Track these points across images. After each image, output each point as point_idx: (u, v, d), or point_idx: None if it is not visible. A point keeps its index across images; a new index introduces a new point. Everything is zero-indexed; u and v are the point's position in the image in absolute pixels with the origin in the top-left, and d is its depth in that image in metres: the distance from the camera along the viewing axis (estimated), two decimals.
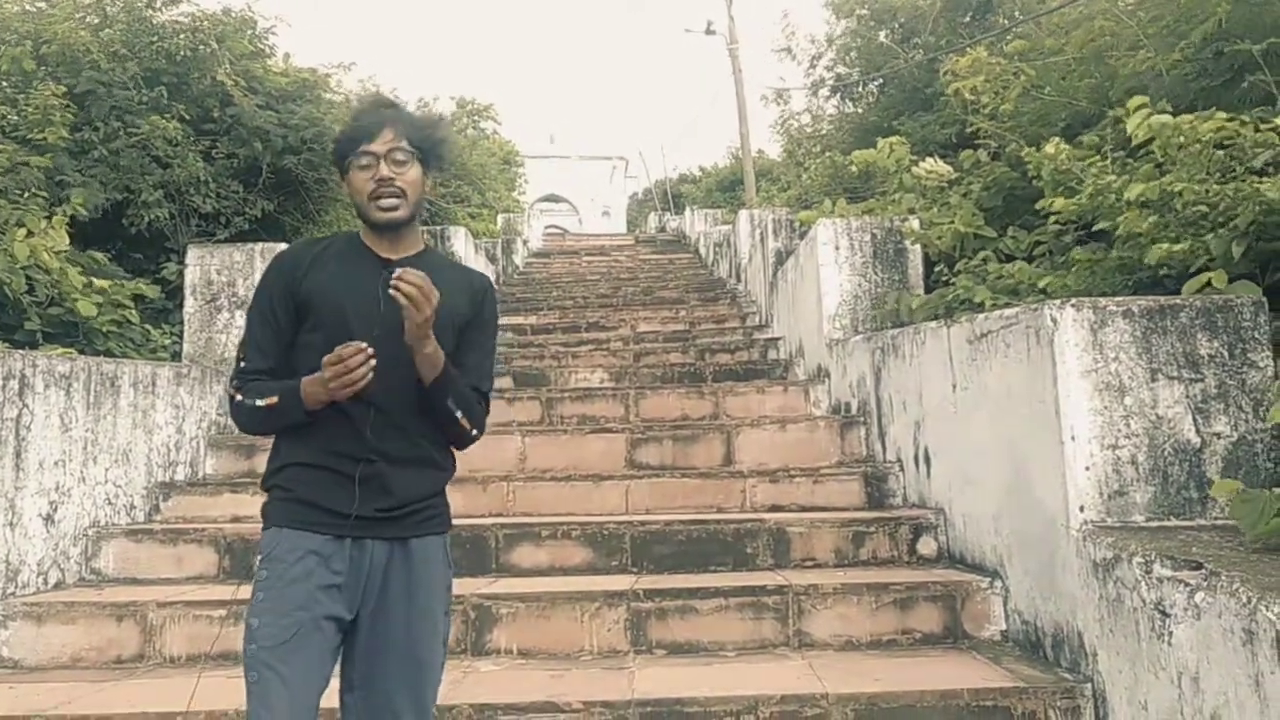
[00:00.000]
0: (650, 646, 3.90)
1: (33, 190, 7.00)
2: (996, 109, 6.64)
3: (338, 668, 2.20)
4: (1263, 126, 4.03)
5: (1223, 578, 2.43)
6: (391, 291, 2.03)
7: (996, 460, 3.88)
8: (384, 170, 2.18)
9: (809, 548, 4.52)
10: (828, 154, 11.98)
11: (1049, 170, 5.14)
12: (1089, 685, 3.13)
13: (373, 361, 2.04)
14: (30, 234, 6.21)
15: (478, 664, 3.79)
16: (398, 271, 2.04)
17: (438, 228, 11.70)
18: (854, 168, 7.96)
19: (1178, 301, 3.34)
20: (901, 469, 5.10)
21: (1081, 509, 3.21)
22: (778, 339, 8.45)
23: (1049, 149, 5.17)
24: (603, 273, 15.15)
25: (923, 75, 10.71)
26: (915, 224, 6.45)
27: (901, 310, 6.14)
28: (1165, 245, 3.90)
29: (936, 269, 6.16)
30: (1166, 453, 3.22)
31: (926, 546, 4.51)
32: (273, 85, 9.57)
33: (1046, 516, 3.41)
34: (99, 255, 7.33)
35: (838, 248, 6.57)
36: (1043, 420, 3.39)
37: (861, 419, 5.72)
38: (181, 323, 6.84)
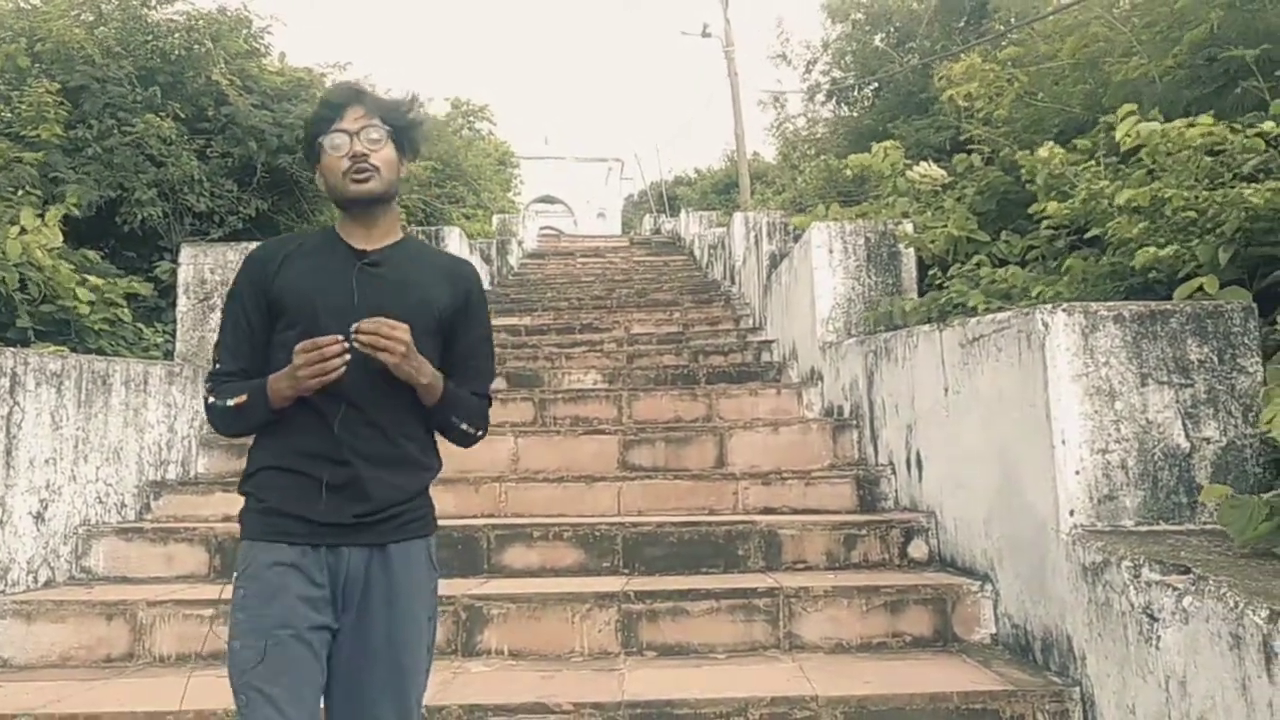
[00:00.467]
0: (641, 648, 3.90)
1: (26, 187, 7.00)
2: (990, 115, 6.66)
3: None
4: (1249, 132, 4.05)
5: (1210, 582, 2.44)
6: (355, 345, 1.98)
7: (988, 464, 3.89)
8: (357, 147, 2.11)
9: (800, 550, 4.53)
10: (822, 157, 12.02)
11: (1042, 175, 5.16)
12: (1077, 689, 3.14)
13: (347, 356, 1.97)
14: (23, 231, 6.20)
15: (468, 664, 3.79)
16: (354, 327, 1.98)
17: (432, 228, 11.70)
18: (849, 171, 7.98)
19: (1168, 307, 3.35)
20: (893, 472, 5.11)
21: (1071, 513, 3.22)
22: (771, 341, 8.46)
23: (1043, 153, 5.18)
24: (597, 274, 15.16)
25: (918, 80, 10.75)
26: (909, 228, 6.47)
27: (895, 314, 6.16)
28: (1152, 249, 3.92)
29: (930, 273, 6.18)
30: (1156, 457, 3.23)
31: (918, 550, 4.52)
32: (268, 84, 9.56)
33: (1037, 520, 3.42)
34: (91, 253, 7.32)
35: (832, 251, 6.58)
36: (1034, 424, 3.41)
37: (854, 422, 5.73)
38: (174, 321, 6.83)
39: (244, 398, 2.08)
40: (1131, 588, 2.78)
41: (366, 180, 2.11)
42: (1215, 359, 3.27)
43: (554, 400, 6.62)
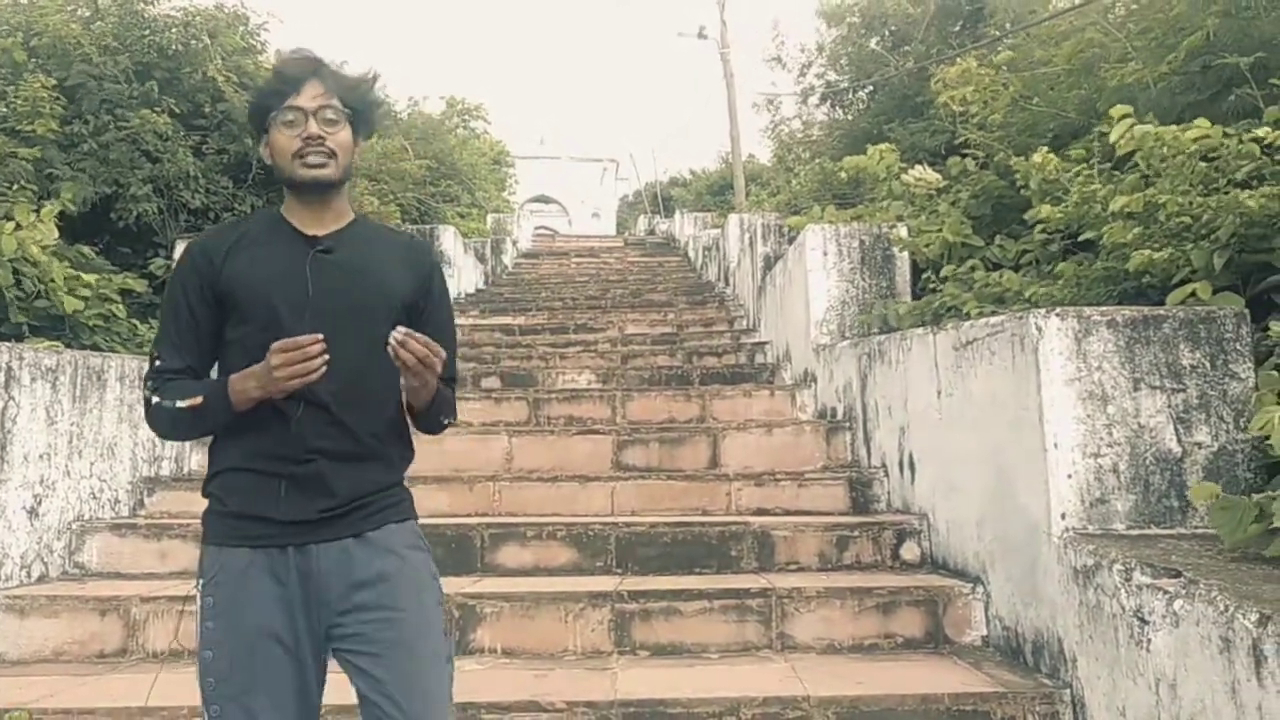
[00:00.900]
0: (634, 647, 3.91)
1: (21, 183, 6.99)
2: (985, 119, 6.68)
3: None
4: (1245, 137, 4.07)
5: (1201, 586, 2.46)
6: (391, 353, 1.86)
7: (980, 467, 3.91)
8: (313, 128, 1.97)
9: (793, 551, 4.54)
10: (817, 160, 12.04)
11: (1037, 179, 5.18)
12: (1068, 691, 3.16)
13: (327, 356, 1.85)
14: (18, 227, 6.19)
15: (461, 663, 3.75)
16: (397, 334, 1.86)
17: (427, 226, 11.70)
18: (843, 174, 8.00)
19: (1161, 312, 3.37)
20: (886, 474, 5.13)
21: (1063, 516, 3.23)
22: (765, 343, 8.48)
23: (1037, 158, 5.21)
24: (591, 274, 15.17)
25: (913, 83, 10.78)
26: (903, 231, 6.48)
27: (889, 317, 6.17)
28: (1147, 252, 3.94)
29: (924, 276, 6.20)
30: (1148, 461, 3.25)
31: (910, 552, 4.54)
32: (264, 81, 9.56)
33: (1029, 523, 3.44)
34: (86, 249, 7.31)
35: (826, 253, 6.60)
36: (1026, 427, 3.42)
37: (847, 424, 5.75)
38: None
39: (199, 399, 1.94)
40: (1122, 591, 2.80)
41: (321, 166, 1.99)
42: (1207, 364, 3.29)
43: (548, 400, 6.63)
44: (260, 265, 2.00)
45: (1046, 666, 3.35)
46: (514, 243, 17.43)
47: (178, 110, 8.63)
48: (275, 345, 1.84)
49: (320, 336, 1.84)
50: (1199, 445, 3.26)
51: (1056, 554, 3.22)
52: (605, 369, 7.89)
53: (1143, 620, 2.69)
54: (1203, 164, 4.17)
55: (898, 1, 12.55)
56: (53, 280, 6.25)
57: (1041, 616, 3.38)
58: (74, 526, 4.68)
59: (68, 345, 5.69)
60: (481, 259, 14.08)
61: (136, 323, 7.03)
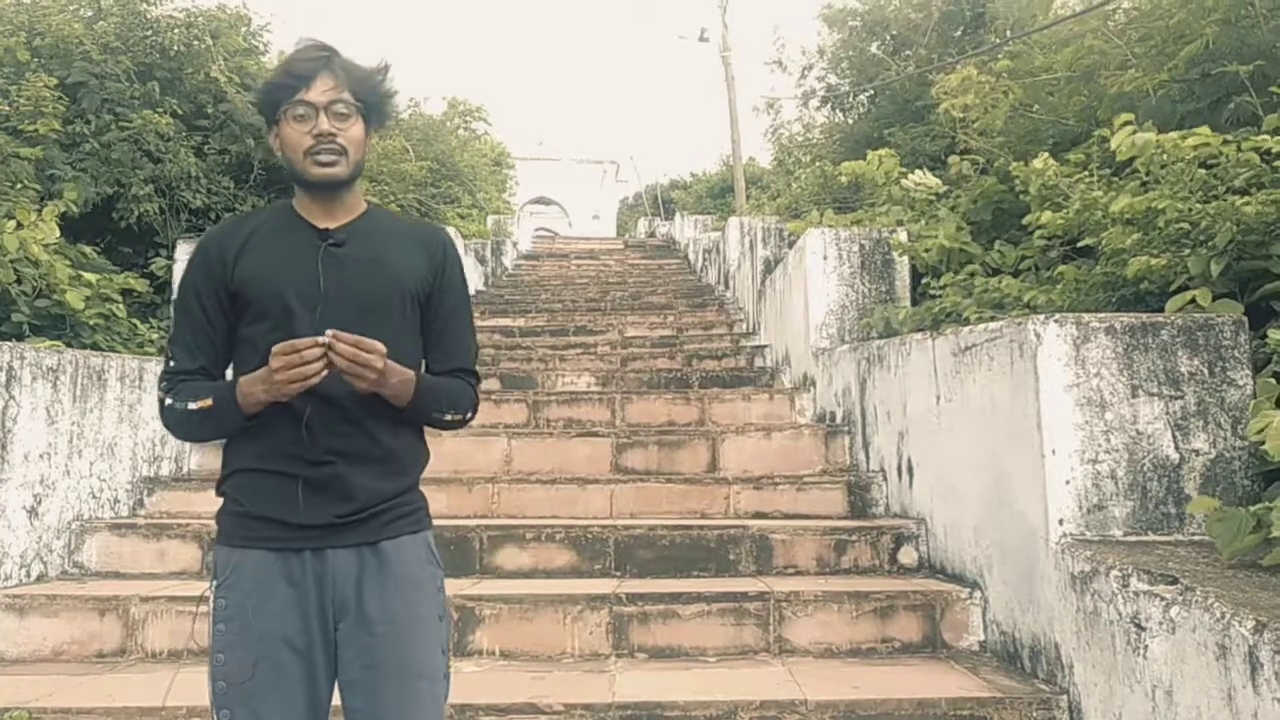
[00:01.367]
0: (632, 650, 3.92)
1: (23, 182, 7.00)
2: (986, 126, 6.69)
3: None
4: (1244, 145, 4.08)
5: (1198, 593, 2.47)
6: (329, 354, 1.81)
7: (978, 472, 3.92)
8: (324, 124, 1.92)
9: (791, 555, 4.55)
10: (818, 163, 12.04)
11: (1037, 185, 5.19)
12: (1065, 697, 3.17)
13: (326, 358, 1.81)
14: (20, 226, 6.20)
15: (460, 665, 3.80)
16: (322, 339, 1.80)
17: None
18: (843, 178, 8.00)
19: (1160, 319, 3.38)
20: (884, 479, 5.13)
21: (1061, 522, 3.24)
22: (764, 346, 8.49)
23: (1038, 163, 5.21)
24: (591, 276, 15.18)
25: (914, 88, 10.78)
26: (903, 236, 6.50)
27: (889, 321, 6.19)
28: (1145, 259, 3.95)
29: (924, 281, 6.21)
30: (1146, 468, 3.26)
31: (907, 556, 4.55)
32: None
33: (1026, 529, 3.45)
34: (88, 249, 7.33)
35: (826, 257, 6.61)
36: (1024, 433, 3.43)
37: (846, 428, 5.76)
38: (169, 318, 6.83)
39: (208, 401, 1.90)
40: (1120, 597, 2.81)
41: (332, 165, 1.94)
42: (1205, 371, 3.30)
43: (547, 402, 6.64)
44: (272, 261, 1.96)
45: (1044, 672, 3.36)
46: (514, 244, 17.44)
47: (179, 110, 8.65)
48: (275, 349, 1.81)
49: (320, 340, 1.80)
50: (1197, 452, 3.27)
51: (1054, 560, 3.23)
52: (605, 372, 7.90)
53: (1140, 627, 2.70)
54: (1202, 171, 4.18)
55: (899, 6, 12.56)
56: (56, 279, 6.25)
57: (1039, 622, 3.39)
58: (74, 526, 4.69)
59: (68, 345, 5.70)
60: (481, 260, 14.10)
61: (137, 322, 7.04)
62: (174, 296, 2.06)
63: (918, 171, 7.05)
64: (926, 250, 6.11)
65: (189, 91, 8.94)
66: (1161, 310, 3.73)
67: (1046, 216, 4.92)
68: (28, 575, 4.42)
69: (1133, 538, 3.21)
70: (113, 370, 5.08)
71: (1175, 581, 2.60)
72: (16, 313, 6.05)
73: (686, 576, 4.45)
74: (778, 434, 5.85)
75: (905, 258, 6.50)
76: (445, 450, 5.30)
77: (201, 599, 1.99)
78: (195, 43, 8.86)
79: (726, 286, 11.96)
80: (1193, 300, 3.70)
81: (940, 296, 5.66)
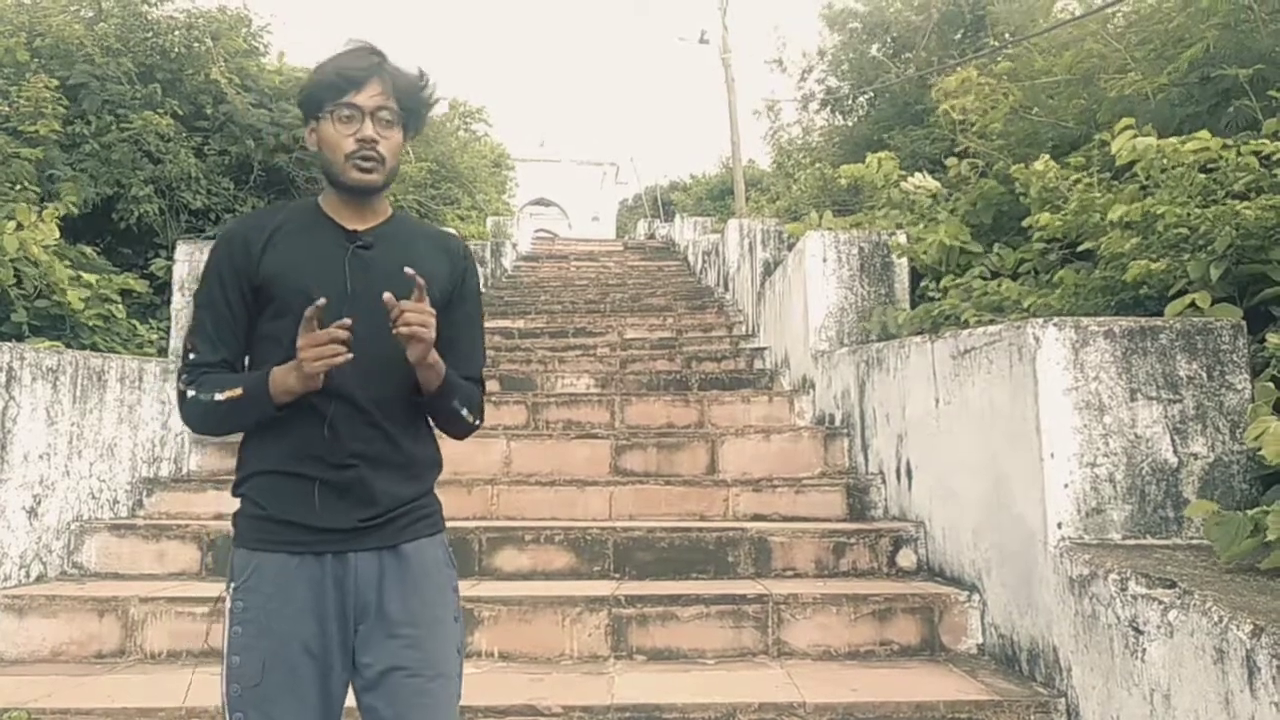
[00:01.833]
0: (630, 652, 3.92)
1: (23, 183, 7.00)
2: (985, 128, 6.70)
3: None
4: (1243, 150, 4.09)
5: (1196, 597, 2.48)
6: (395, 331, 1.83)
7: (977, 475, 3.93)
8: (369, 130, 1.92)
9: (790, 557, 4.56)
10: (817, 166, 12.05)
11: (1037, 187, 5.20)
12: (1063, 700, 3.17)
13: (349, 339, 1.80)
14: (20, 227, 6.21)
15: None
16: (397, 311, 1.82)
17: None
18: (842, 181, 8.01)
19: (1158, 323, 3.39)
20: (883, 481, 5.14)
21: (1059, 525, 3.25)
22: (764, 349, 8.50)
23: (1038, 166, 5.22)
24: (591, 278, 15.18)
25: (914, 90, 10.79)
26: (903, 239, 6.50)
27: (888, 324, 6.19)
28: (1144, 263, 3.96)
29: (923, 283, 6.22)
30: (1144, 472, 3.27)
31: (906, 559, 4.55)
32: (266, 83, 9.60)
33: (1025, 532, 3.45)
34: (88, 249, 7.33)
35: (825, 260, 6.62)
36: (1023, 437, 3.44)
37: (845, 430, 5.76)
38: (169, 318, 6.85)
39: (238, 391, 1.88)
40: (1118, 600, 2.81)
41: (371, 171, 1.94)
42: (1204, 375, 3.31)
43: (546, 404, 6.64)
44: (299, 258, 1.96)
45: (1042, 675, 3.36)
46: (513, 246, 17.44)
47: (180, 112, 8.66)
48: (303, 330, 1.81)
49: (348, 322, 1.80)
50: (1195, 456, 3.28)
51: (1052, 563, 3.23)
52: (604, 373, 7.90)
53: (1138, 630, 2.71)
54: (1202, 176, 4.19)
55: (900, 9, 12.57)
56: (55, 280, 6.26)
57: (1037, 625, 3.39)
58: (73, 527, 4.69)
59: (68, 345, 5.70)
60: (481, 262, 14.09)
61: (136, 323, 7.04)
62: (195, 289, 2.04)
63: (917, 174, 7.06)
64: (926, 252, 6.11)
65: (189, 93, 8.95)
66: (1160, 314, 3.73)
67: (1045, 219, 4.93)
68: (27, 576, 4.42)
69: (1131, 541, 3.22)
70: (112, 371, 5.08)
71: (1173, 585, 2.60)
72: (16, 313, 6.05)
73: (685, 578, 4.46)
74: (777, 436, 5.86)
75: (904, 260, 6.51)
76: (444, 452, 5.28)
77: (217, 601, 1.98)
78: (196, 44, 8.87)
79: (726, 288, 11.97)
80: (1191, 304, 3.71)
81: (939, 299, 5.66)
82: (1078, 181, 4.96)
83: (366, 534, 1.93)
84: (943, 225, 6.17)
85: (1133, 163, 4.46)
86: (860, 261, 6.61)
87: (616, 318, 10.86)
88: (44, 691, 3.46)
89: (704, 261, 14.56)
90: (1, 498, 4.27)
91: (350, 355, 1.81)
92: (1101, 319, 3.43)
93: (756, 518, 5.10)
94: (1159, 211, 4.06)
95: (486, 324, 2.29)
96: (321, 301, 1.80)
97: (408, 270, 1.85)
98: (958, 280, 5.67)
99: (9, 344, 4.49)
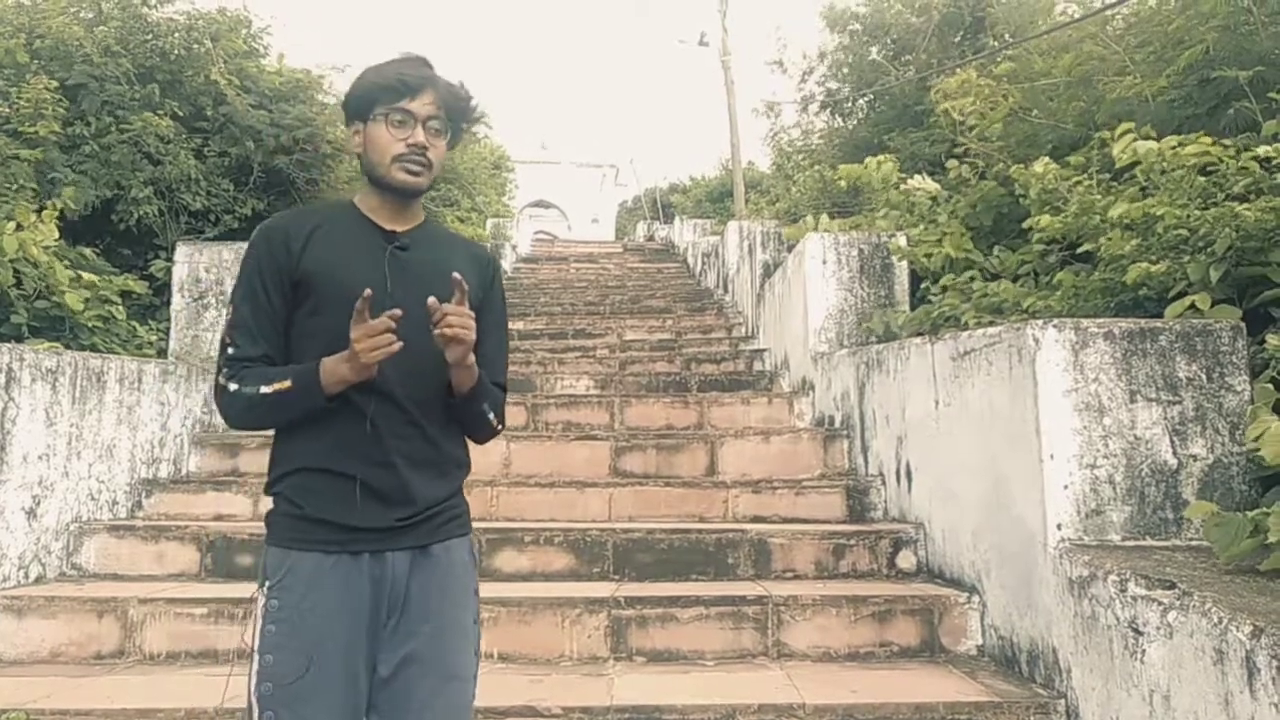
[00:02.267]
0: (630, 653, 3.92)
1: (23, 184, 7.00)
2: (985, 130, 6.70)
3: None
4: (1243, 155, 4.09)
5: (1195, 598, 2.48)
6: (438, 333, 1.88)
7: (977, 477, 3.93)
8: (420, 136, 1.98)
9: (789, 559, 4.56)
10: (816, 168, 12.05)
11: (1037, 189, 5.20)
12: (1062, 701, 3.17)
13: (397, 331, 1.84)
14: (19, 228, 6.21)
15: None
16: (440, 314, 1.87)
17: None
18: (842, 183, 8.01)
19: (1158, 324, 3.39)
20: (883, 483, 5.14)
21: (1059, 527, 3.25)
22: (763, 350, 8.50)
23: (1038, 167, 5.23)
24: (590, 280, 15.18)
25: (913, 92, 10.79)
26: (902, 240, 6.50)
27: (888, 325, 6.19)
28: (1144, 265, 3.96)
29: (923, 285, 6.22)
30: (1144, 473, 3.27)
31: (906, 560, 4.55)
32: (266, 85, 9.59)
33: (1025, 533, 3.45)
34: (87, 251, 7.33)
35: (825, 262, 6.62)
36: (1023, 438, 3.44)
37: (845, 432, 5.76)
38: (168, 320, 6.84)
39: (286, 383, 1.90)
40: (1117, 602, 2.81)
41: (417, 175, 2.00)
42: (1204, 377, 3.31)
43: (546, 405, 6.64)
44: (339, 256, 1.99)
45: (1041, 676, 3.36)
46: (513, 247, 17.45)
47: (179, 113, 8.65)
48: (355, 324, 1.83)
49: (398, 313, 1.83)
50: (1194, 457, 3.28)
51: (1052, 564, 3.23)
52: (604, 375, 7.90)
53: (1137, 631, 2.71)
54: (1201, 178, 4.19)
55: (900, 11, 12.57)
56: (55, 281, 6.26)
57: (1037, 626, 3.39)
58: (72, 528, 4.69)
59: (67, 346, 5.70)
60: None
61: (136, 324, 7.04)
62: (234, 283, 2.05)
63: (917, 176, 7.06)
64: (926, 255, 6.12)
65: (189, 94, 8.94)
66: (1159, 316, 3.73)
67: (1045, 220, 4.93)
68: (26, 577, 4.42)
69: (1130, 542, 3.22)
70: (112, 372, 5.08)
71: (1173, 586, 2.60)
72: (16, 314, 6.05)
73: (685, 580, 4.46)
74: (776, 438, 5.86)
75: (904, 262, 6.51)
76: None
77: (251, 601, 1.98)
78: (195, 46, 8.85)
79: (725, 290, 11.97)
80: (1191, 306, 3.71)
81: (939, 301, 5.66)
82: (1077, 183, 4.96)
83: (403, 533, 1.96)
84: (943, 229, 6.17)
85: (1132, 165, 4.47)
86: (860, 263, 6.61)
87: (616, 319, 10.86)
88: (43, 692, 3.45)
89: (703, 263, 14.56)
90: (1, 499, 4.27)
91: (401, 344, 1.84)
92: (1101, 320, 3.43)
93: (756, 519, 5.10)
94: (1159, 213, 4.06)
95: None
96: (368, 293, 1.82)
97: (455, 275, 1.89)
98: (957, 282, 5.68)
99: (8, 345, 4.49)
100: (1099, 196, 4.64)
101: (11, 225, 6.19)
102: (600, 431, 6.20)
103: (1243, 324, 3.43)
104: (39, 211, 6.56)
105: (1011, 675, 3.54)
